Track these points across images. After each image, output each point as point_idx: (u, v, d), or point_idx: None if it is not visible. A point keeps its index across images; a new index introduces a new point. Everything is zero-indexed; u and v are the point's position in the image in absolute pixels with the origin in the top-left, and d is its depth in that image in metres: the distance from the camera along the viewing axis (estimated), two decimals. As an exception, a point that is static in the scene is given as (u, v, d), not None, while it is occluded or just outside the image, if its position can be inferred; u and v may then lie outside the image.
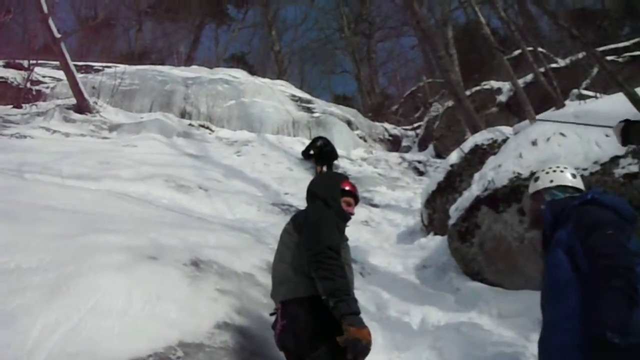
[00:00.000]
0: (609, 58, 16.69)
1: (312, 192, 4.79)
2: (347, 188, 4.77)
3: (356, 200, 4.88)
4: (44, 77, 22.92)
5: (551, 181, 4.27)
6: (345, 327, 3.68)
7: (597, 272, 3.36)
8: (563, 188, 4.21)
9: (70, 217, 6.24)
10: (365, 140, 23.95)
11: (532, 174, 7.23)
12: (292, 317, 4.08)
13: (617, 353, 3.10)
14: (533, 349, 5.81)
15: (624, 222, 3.67)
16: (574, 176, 4.31)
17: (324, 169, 17.21)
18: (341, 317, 3.72)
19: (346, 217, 4.67)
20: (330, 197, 4.61)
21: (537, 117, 10.13)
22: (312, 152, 17.93)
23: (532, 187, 4.45)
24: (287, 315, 4.14)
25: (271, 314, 4.52)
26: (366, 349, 3.72)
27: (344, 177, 5.10)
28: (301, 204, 13.05)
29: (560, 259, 3.69)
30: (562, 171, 4.32)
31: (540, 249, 4.34)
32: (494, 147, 11.04)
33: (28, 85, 20.11)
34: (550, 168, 4.42)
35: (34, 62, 21.33)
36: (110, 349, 3.88)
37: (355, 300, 3.90)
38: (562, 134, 7.54)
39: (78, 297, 4.24)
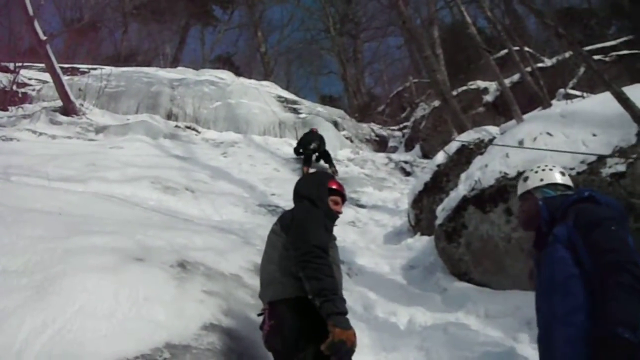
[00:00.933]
0: (595, 57, 16.77)
1: (299, 193, 4.78)
2: (333, 187, 4.77)
3: (343, 198, 4.87)
4: (29, 79, 22.79)
5: (541, 180, 4.24)
6: (330, 327, 3.66)
7: (603, 268, 3.34)
8: (554, 186, 4.18)
9: (56, 219, 6.21)
10: (351, 141, 23.95)
11: (519, 173, 7.27)
12: (280, 318, 4.07)
13: (629, 349, 3.08)
14: (520, 349, 5.84)
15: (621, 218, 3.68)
16: (562, 174, 4.28)
17: (310, 169, 17.28)
18: (327, 317, 3.70)
19: (334, 216, 4.67)
20: (317, 197, 4.61)
21: (524, 117, 10.17)
22: (301, 150, 18.07)
23: (522, 188, 4.40)
24: (274, 316, 4.13)
25: (259, 315, 4.51)
26: (350, 351, 3.70)
27: (330, 176, 5.11)
28: (288, 204, 13.02)
29: (562, 255, 3.64)
30: (550, 169, 4.30)
31: (530, 248, 4.33)
32: (480, 147, 11.05)
33: (14, 87, 19.97)
34: (539, 167, 4.38)
35: (20, 64, 21.15)
36: (96, 351, 3.86)
37: (343, 300, 3.87)
38: (549, 134, 7.55)
39: (64, 299, 4.22)
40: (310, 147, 17.93)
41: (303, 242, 4.00)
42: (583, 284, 3.47)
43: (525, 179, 4.38)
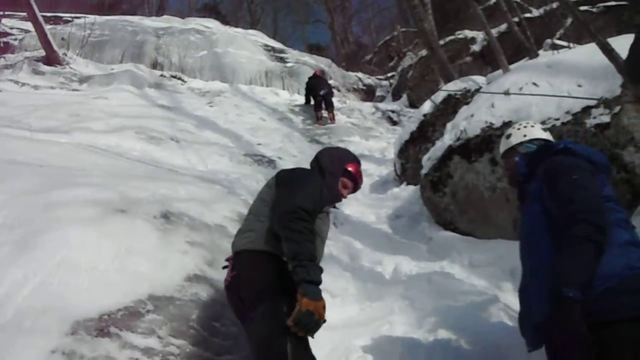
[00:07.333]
0: (583, 8, 16.65)
1: (318, 160, 4.56)
2: (350, 169, 4.50)
3: (355, 186, 4.61)
4: (11, 28, 22.54)
5: (524, 135, 4.30)
6: (298, 296, 3.40)
7: (563, 220, 3.36)
8: (537, 141, 4.24)
9: (37, 171, 6.14)
10: (338, 90, 23.85)
11: (505, 123, 7.28)
12: (241, 270, 3.87)
13: (575, 307, 3.09)
14: (504, 298, 5.88)
15: (595, 169, 3.67)
16: (544, 130, 4.37)
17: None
18: (297, 284, 3.44)
19: (335, 197, 4.45)
20: (329, 170, 4.43)
21: (511, 67, 10.11)
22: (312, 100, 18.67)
23: (505, 145, 4.44)
24: (237, 266, 3.92)
25: (224, 267, 4.21)
26: (318, 325, 3.43)
27: (353, 158, 4.71)
28: (274, 154, 13.14)
29: (535, 209, 3.69)
30: (532, 126, 4.39)
31: (515, 199, 4.37)
32: (466, 97, 11.02)
33: (-5, 37, 19.78)
34: (520, 124, 4.47)
35: (1, 13, 20.88)
36: (79, 304, 3.86)
37: (319, 269, 3.60)
38: (534, 84, 7.52)
39: (46, 252, 4.21)
40: (320, 94, 18.27)
41: (288, 201, 3.76)
42: (551, 238, 3.48)
43: (508, 136, 4.45)
